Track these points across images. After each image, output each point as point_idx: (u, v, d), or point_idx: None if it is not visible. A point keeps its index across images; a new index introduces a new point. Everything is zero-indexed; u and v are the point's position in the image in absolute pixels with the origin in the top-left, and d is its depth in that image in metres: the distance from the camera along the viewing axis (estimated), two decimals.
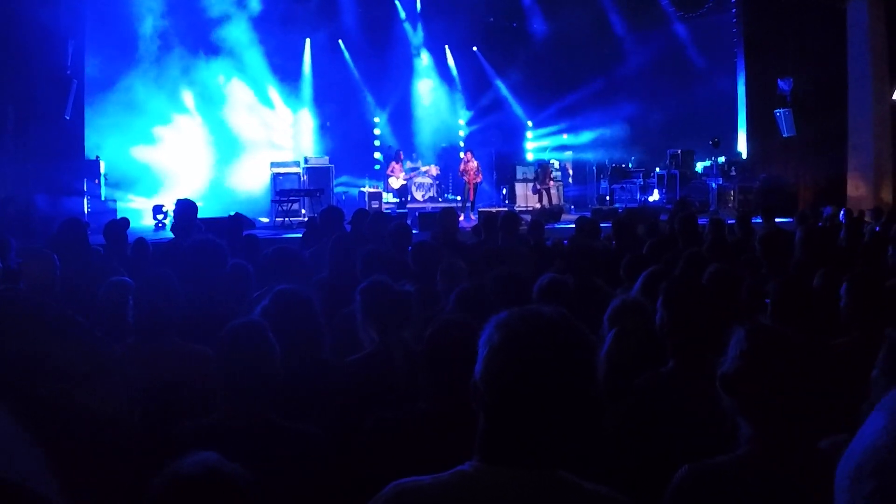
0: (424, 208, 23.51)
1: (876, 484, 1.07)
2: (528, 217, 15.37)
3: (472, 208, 23.54)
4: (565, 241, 10.67)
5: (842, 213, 15.72)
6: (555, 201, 25.43)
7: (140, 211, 21.91)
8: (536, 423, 2.04)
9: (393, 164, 25.05)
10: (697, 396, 3.71)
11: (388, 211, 21.59)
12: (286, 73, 26.78)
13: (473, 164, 24.37)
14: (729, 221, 11.69)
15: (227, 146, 25.06)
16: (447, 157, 28.54)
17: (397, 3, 28.33)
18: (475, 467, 2.11)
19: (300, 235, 12.92)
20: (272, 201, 22.14)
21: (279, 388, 3.60)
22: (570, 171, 29.42)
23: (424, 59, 29.03)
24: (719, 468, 2.76)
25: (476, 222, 11.94)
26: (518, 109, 30.37)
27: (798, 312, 4.82)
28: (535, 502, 2.03)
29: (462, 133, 30.60)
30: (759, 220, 13.45)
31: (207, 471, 2.32)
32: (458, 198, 26.11)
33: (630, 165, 27.64)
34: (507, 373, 2.05)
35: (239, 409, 3.48)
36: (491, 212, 14.90)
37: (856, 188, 23.14)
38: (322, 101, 27.30)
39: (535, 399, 2.03)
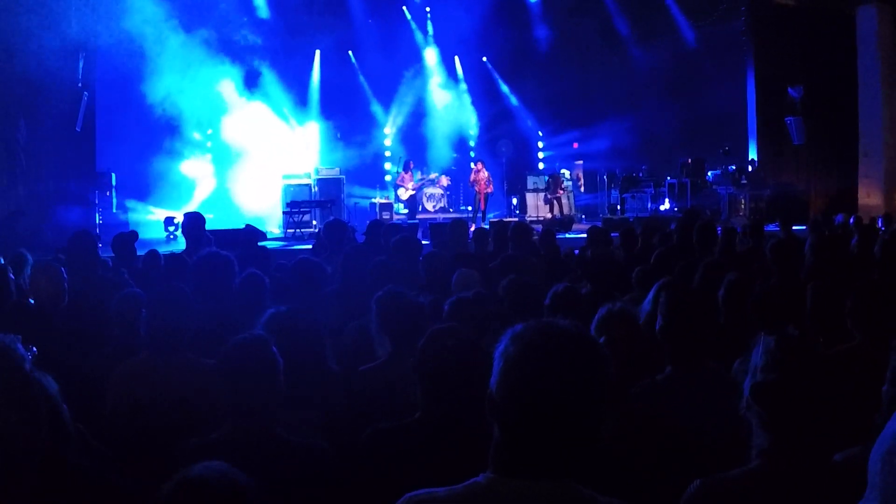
0: (435, 219, 23.48)
1: None
2: (539, 227, 15.35)
3: (483, 218, 23.53)
4: (576, 252, 10.66)
5: (851, 220, 15.63)
6: (566, 211, 25.41)
7: (159, 223, 21.99)
8: (551, 436, 2.04)
9: (403, 174, 25.08)
10: (696, 403, 3.70)
11: (399, 222, 21.62)
12: (296, 84, 26.86)
13: (484, 174, 24.37)
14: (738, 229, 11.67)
15: (239, 158, 25.13)
16: (458, 168, 28.54)
17: (407, 13, 28.37)
18: (490, 479, 2.11)
19: (311, 247, 12.93)
20: (283, 212, 22.16)
21: (285, 402, 3.59)
22: (581, 181, 29.39)
23: (434, 70, 29.00)
24: (733, 482, 2.73)
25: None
26: (528, 119, 30.33)
27: (792, 318, 4.82)
28: None
29: (472, 143, 30.58)
30: (774, 228, 13.48)
31: (217, 474, 2.34)
32: (469, 208, 26.11)
33: (641, 174, 27.58)
34: (523, 386, 2.04)
35: (244, 423, 3.47)
36: (501, 222, 14.90)
37: (867, 195, 23.07)
38: (333, 112, 27.35)
39: (551, 412, 2.02)
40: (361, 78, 28.25)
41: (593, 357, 2.08)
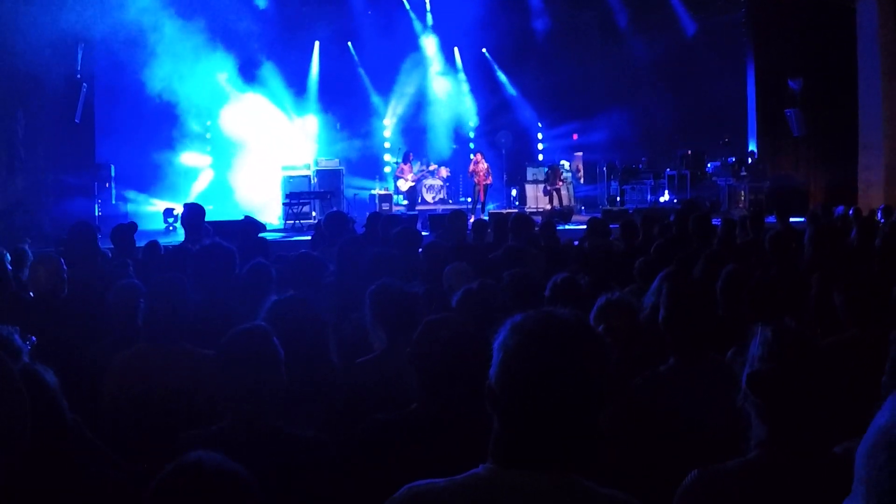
0: (435, 210, 23.51)
1: (886, 456, 1.22)
2: (539, 219, 15.36)
3: (483, 210, 23.53)
4: (575, 242, 10.66)
5: (850, 211, 15.60)
6: (565, 202, 25.39)
7: (158, 214, 22.04)
8: (551, 427, 2.04)
9: (402, 165, 25.05)
10: (700, 393, 3.71)
11: (398, 213, 21.63)
12: (295, 75, 26.87)
13: (483, 165, 24.37)
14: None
15: (238, 149, 25.15)
16: (457, 159, 28.50)
17: (406, 3, 28.32)
18: (489, 470, 2.11)
19: (310, 238, 12.95)
20: (283, 204, 22.16)
21: (285, 394, 3.59)
22: (581, 172, 29.36)
23: (433, 61, 28.93)
24: (730, 472, 2.74)
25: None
26: (528, 111, 30.28)
27: (790, 310, 4.83)
28: None
29: (472, 135, 30.55)
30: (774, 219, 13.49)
31: (213, 461, 2.34)
32: (469, 199, 26.12)
33: (640, 166, 27.55)
34: (522, 376, 2.05)
35: (244, 416, 3.45)
36: (501, 213, 14.89)
37: (867, 187, 23.06)
38: (332, 103, 27.32)
39: (550, 403, 2.02)
40: (360, 69, 28.21)
41: (593, 347, 2.08)
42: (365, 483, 3.32)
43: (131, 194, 23.06)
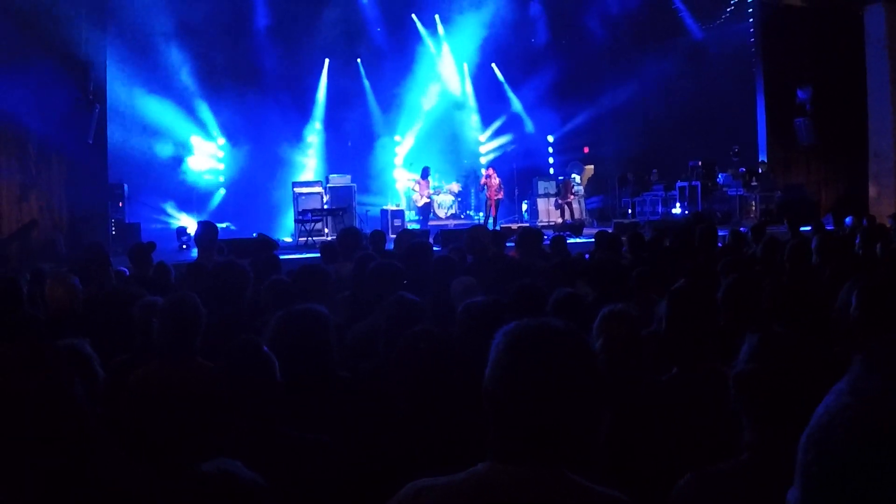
0: (446, 225, 23.57)
1: (813, 454, 1.26)
2: (550, 232, 15.40)
3: (494, 224, 23.56)
4: (587, 256, 10.70)
5: (864, 221, 15.59)
6: (577, 215, 25.45)
7: (171, 232, 22.12)
8: (538, 424, 2.13)
9: (420, 181, 25.01)
10: (700, 403, 3.76)
11: (411, 230, 21.67)
12: (306, 92, 27.02)
13: (495, 179, 24.36)
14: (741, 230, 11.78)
15: (250, 166, 25.29)
16: (468, 174, 28.56)
17: (417, 21, 28.45)
18: (488, 467, 2.20)
19: (319, 255, 13.03)
20: (295, 221, 22.25)
21: (285, 399, 3.69)
22: (592, 185, 29.39)
23: (443, 76, 29.02)
24: (722, 474, 2.80)
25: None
26: (537, 124, 30.31)
27: (794, 317, 4.86)
28: (545, 500, 2.11)
29: (483, 149, 30.62)
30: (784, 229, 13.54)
31: (227, 473, 2.43)
32: (481, 214, 26.16)
33: (651, 178, 27.56)
34: (509, 375, 2.16)
35: (246, 423, 3.57)
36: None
37: (877, 195, 23.05)
38: (343, 120, 27.47)
39: (537, 400, 2.12)
40: (369, 86, 28.32)
41: (577, 350, 2.18)
42: (370, 488, 3.39)
43: (143, 213, 23.16)
